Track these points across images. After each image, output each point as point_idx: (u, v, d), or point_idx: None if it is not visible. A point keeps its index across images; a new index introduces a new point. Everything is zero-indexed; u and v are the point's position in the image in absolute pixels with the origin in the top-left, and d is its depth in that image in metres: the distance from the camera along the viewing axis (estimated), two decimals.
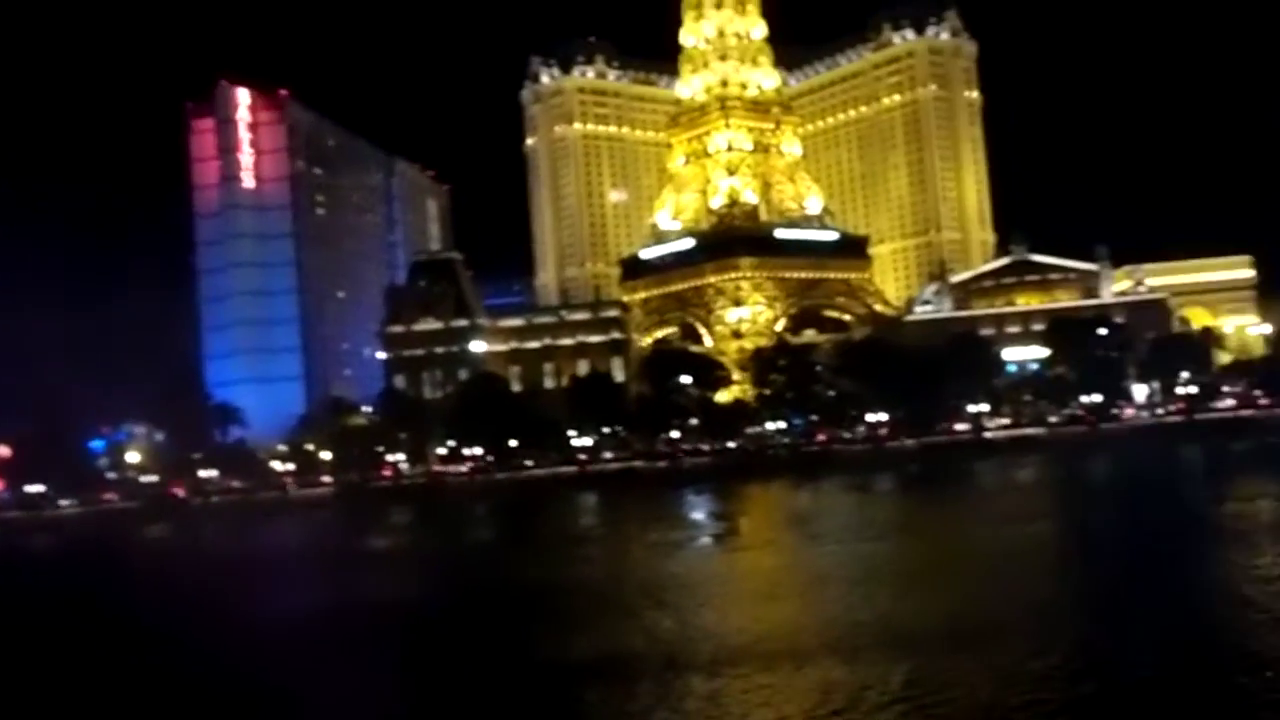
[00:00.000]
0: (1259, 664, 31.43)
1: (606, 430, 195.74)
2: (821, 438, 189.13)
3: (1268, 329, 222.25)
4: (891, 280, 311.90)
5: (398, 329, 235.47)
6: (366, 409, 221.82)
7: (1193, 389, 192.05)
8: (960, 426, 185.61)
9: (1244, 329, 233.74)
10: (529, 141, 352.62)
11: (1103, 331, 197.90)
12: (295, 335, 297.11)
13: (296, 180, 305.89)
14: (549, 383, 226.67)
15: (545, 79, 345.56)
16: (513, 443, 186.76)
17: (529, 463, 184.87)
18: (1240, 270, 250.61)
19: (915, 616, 44.08)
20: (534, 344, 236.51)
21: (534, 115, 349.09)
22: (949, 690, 31.47)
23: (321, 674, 41.96)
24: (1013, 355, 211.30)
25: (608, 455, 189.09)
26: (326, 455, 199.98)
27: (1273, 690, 29.15)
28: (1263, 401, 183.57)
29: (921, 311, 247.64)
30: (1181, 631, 37.53)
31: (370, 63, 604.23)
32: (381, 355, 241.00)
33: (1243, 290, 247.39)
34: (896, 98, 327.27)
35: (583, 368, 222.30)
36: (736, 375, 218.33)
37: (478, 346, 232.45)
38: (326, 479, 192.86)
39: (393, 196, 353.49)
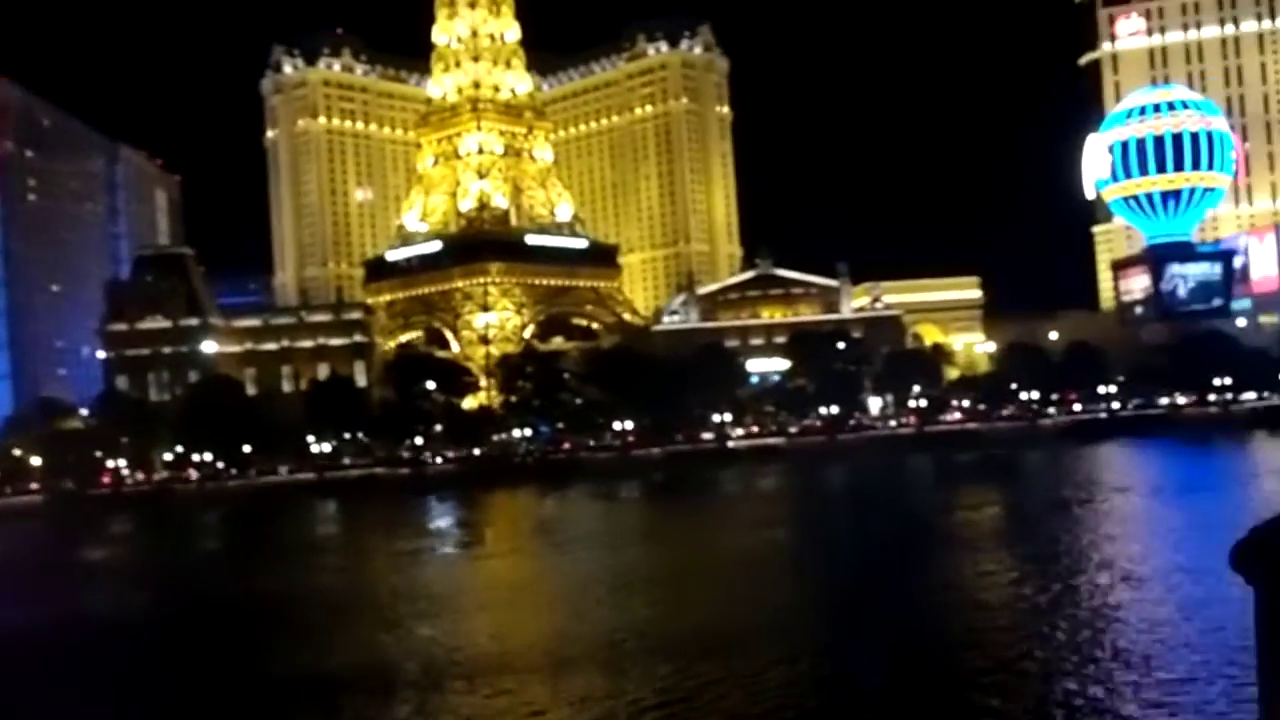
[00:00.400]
0: (987, 667, 32.05)
1: (347, 436, 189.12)
2: (568, 446, 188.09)
3: (992, 347, 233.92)
4: (640, 290, 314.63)
5: (120, 327, 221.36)
6: (84, 411, 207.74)
7: (924, 402, 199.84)
8: (705, 435, 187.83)
9: (971, 346, 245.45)
10: (269, 134, 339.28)
11: (841, 345, 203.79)
12: (2, 330, 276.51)
13: (5, 163, 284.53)
14: (287, 386, 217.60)
15: (288, 69, 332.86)
16: (247, 449, 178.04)
17: (264, 469, 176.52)
18: (969, 290, 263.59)
19: (664, 624, 43.11)
20: (271, 345, 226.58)
21: (275, 106, 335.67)
22: (698, 699, 30.55)
23: (21, 699, 37.06)
24: (756, 366, 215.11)
25: (348, 462, 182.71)
26: (37, 461, 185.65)
27: (1000, 691, 29.66)
28: (987, 415, 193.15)
29: (669, 321, 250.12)
30: (915, 636, 37.94)
31: (98, 44, 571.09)
32: (102, 354, 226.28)
33: (971, 309, 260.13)
34: (649, 109, 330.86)
35: (323, 371, 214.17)
36: (483, 382, 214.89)
37: (209, 347, 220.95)
38: (36, 486, 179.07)
39: (116, 185, 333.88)
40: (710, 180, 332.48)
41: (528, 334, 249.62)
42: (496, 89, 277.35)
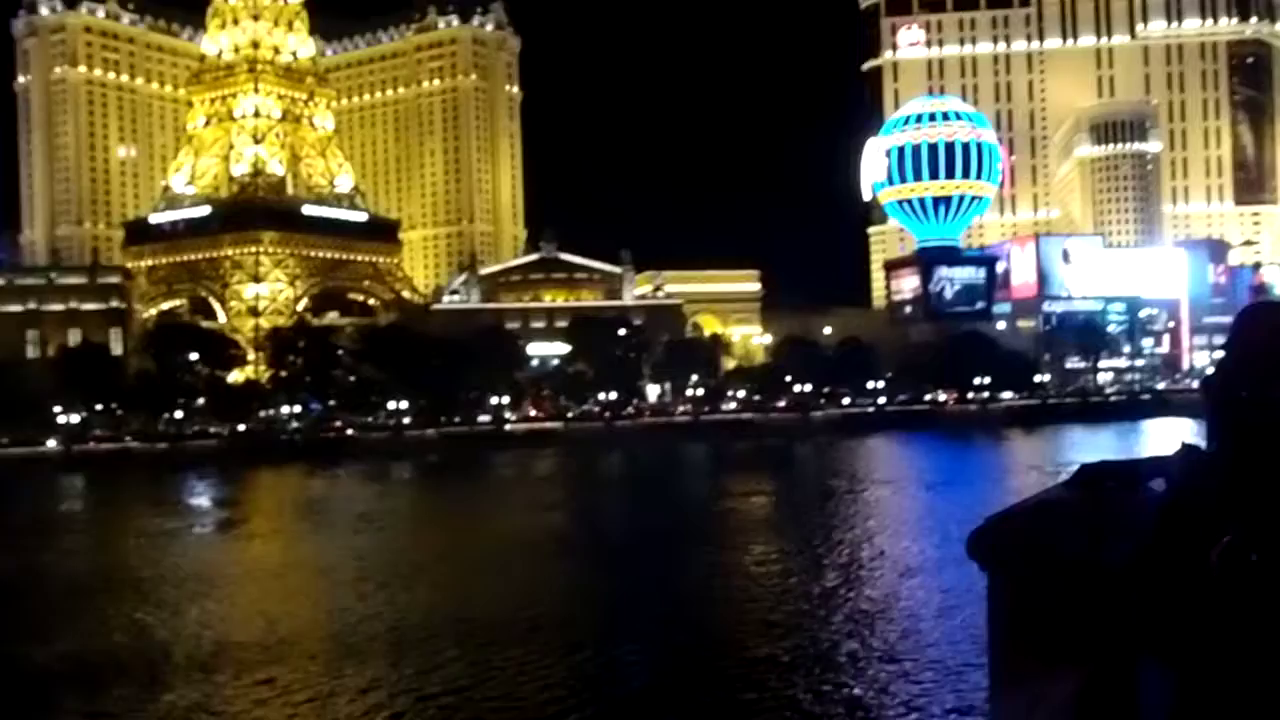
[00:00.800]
0: (757, 647, 33.04)
1: (100, 408, 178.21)
2: (339, 424, 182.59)
3: (769, 339, 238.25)
4: (421, 267, 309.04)
5: None
6: None
7: (701, 391, 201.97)
8: (482, 418, 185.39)
9: (749, 338, 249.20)
10: (20, 80, 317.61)
11: (622, 332, 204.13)
12: None
13: None
14: (32, 352, 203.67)
15: (45, 10, 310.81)
16: None
17: (4, 440, 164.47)
18: (749, 283, 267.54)
19: (442, 610, 41.70)
20: (15, 307, 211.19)
21: (28, 50, 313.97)
22: (480, 689, 29.89)
23: None
24: (536, 350, 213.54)
25: (99, 434, 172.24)
26: None
27: (768, 676, 30.11)
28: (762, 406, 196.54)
29: (449, 301, 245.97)
30: (688, 626, 38.18)
31: None
32: None
33: (749, 302, 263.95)
34: (437, 83, 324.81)
35: (74, 338, 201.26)
36: (251, 355, 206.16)
37: None
38: None
39: None
40: (497, 160, 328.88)
41: (300, 307, 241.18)
42: (277, 50, 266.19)
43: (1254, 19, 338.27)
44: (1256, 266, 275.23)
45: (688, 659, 33.38)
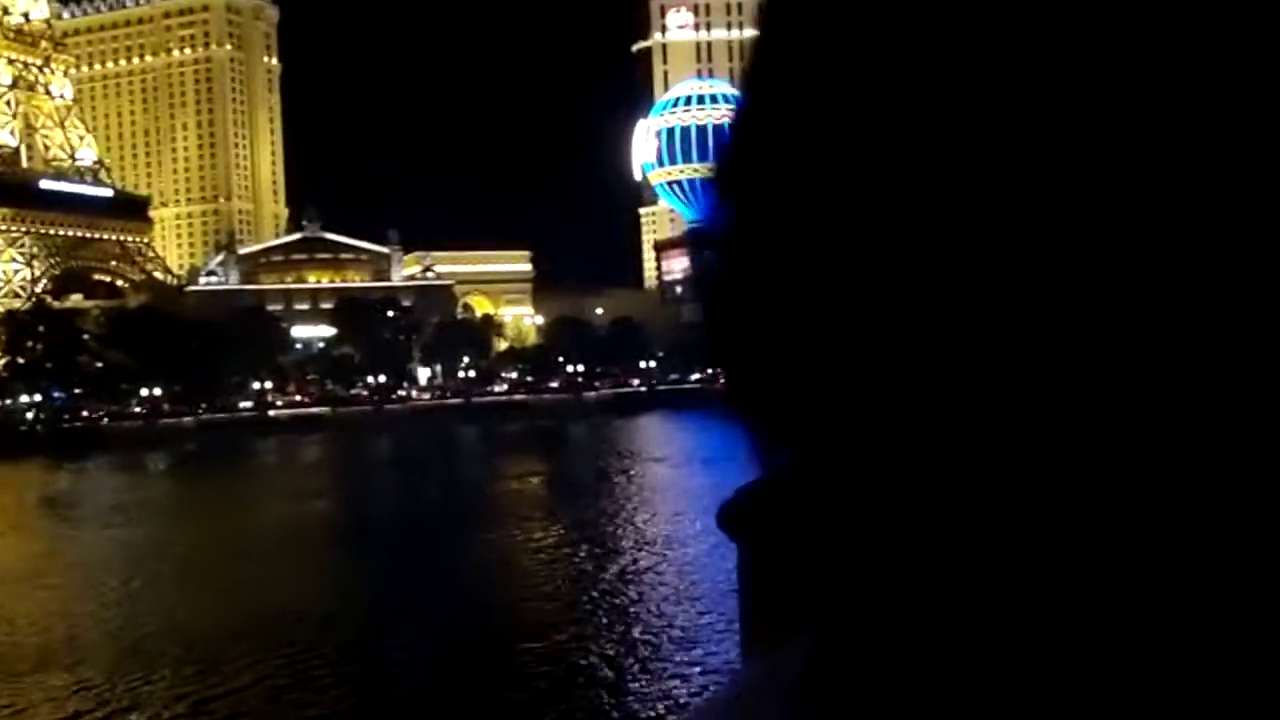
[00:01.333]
0: (538, 632, 32.72)
1: None
2: (87, 413, 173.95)
3: (541, 320, 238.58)
4: (175, 247, 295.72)
5: None
6: None
7: (473, 373, 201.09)
8: (244, 404, 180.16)
9: (521, 319, 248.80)
10: None
11: (391, 314, 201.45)
12: None
13: None
14: None
15: None
16: None
17: None
18: (520, 264, 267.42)
19: (203, 609, 38.35)
20: None
21: None
22: (245, 701, 27.27)
23: None
24: (301, 333, 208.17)
25: None
26: None
27: (542, 659, 29.88)
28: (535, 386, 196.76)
29: (206, 282, 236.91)
30: (462, 605, 37.75)
31: None
32: None
33: (521, 283, 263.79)
34: (188, 52, 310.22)
35: None
36: None
37: None
38: None
39: None
40: (255, 135, 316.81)
41: (40, 289, 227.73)
42: (6, 10, 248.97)
43: None
44: None
45: (467, 647, 31.75)
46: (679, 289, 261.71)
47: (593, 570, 43.76)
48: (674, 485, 75.40)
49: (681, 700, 25.93)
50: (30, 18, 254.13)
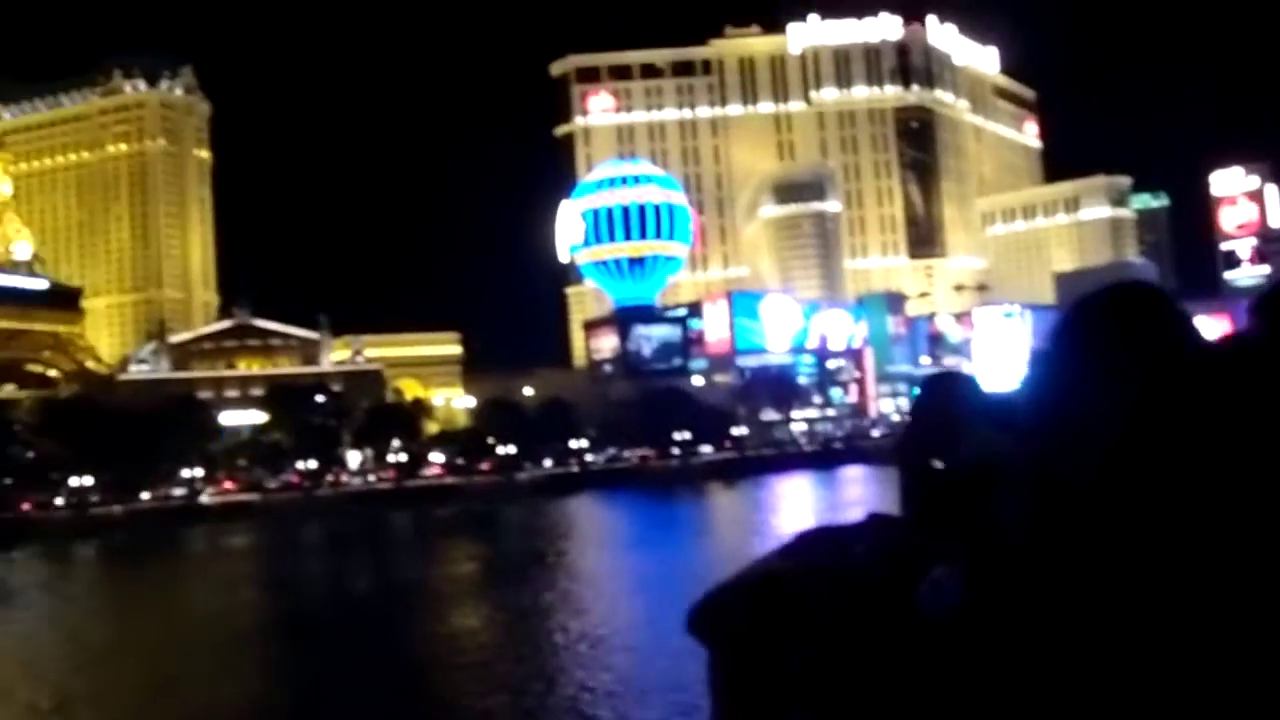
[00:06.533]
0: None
1: None
2: (18, 504, 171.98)
3: (471, 401, 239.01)
4: (106, 337, 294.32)
5: None
6: None
7: (404, 457, 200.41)
8: (175, 492, 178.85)
9: (451, 401, 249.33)
10: None
11: (321, 399, 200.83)
12: None
13: None
14: None
15: None
16: None
17: None
18: (449, 346, 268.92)
19: (102, 692, 40.65)
20: None
21: None
22: None
23: None
24: (232, 419, 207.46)
25: None
26: None
27: None
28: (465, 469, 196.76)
29: (137, 371, 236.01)
30: (398, 698, 37.60)
31: None
32: None
33: (450, 364, 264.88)
34: (123, 147, 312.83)
35: None
36: None
37: None
38: None
39: None
40: (187, 225, 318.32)
41: None
42: None
43: (915, 86, 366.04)
44: (931, 316, 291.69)
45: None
46: (608, 368, 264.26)
47: (534, 659, 42.91)
48: (610, 569, 75.62)
49: None
50: None
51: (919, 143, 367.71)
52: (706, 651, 2.16)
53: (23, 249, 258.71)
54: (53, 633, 60.51)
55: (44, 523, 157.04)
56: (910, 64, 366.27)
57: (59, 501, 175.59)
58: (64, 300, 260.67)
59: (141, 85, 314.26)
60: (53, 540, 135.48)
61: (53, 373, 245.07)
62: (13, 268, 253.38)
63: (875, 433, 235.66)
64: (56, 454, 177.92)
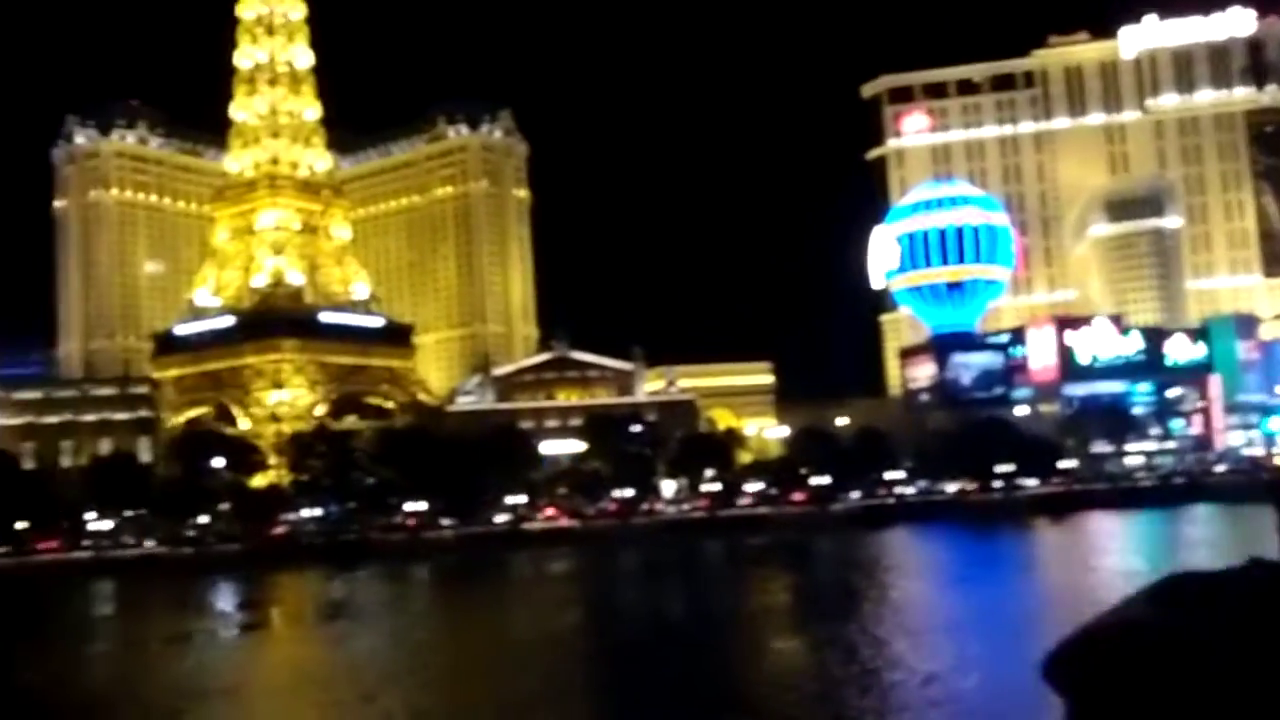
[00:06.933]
0: None
1: (129, 514, 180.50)
2: (359, 526, 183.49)
3: (784, 431, 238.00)
4: (435, 370, 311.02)
5: None
6: None
7: (716, 486, 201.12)
8: (499, 518, 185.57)
9: (763, 431, 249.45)
10: (58, 204, 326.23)
11: (636, 428, 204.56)
12: None
13: None
14: (67, 461, 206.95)
15: (81, 139, 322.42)
16: (21, 525, 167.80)
17: (36, 548, 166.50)
18: (762, 376, 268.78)
19: (452, 709, 42.46)
20: (52, 419, 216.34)
21: (66, 177, 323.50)
22: None
23: None
24: (551, 449, 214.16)
25: (130, 541, 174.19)
26: None
27: None
28: (777, 500, 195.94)
29: (464, 402, 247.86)
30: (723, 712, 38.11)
31: None
32: None
33: (763, 394, 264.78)
34: (448, 189, 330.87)
35: (106, 446, 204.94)
36: (273, 460, 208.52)
37: None
38: None
39: None
40: (507, 262, 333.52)
41: (320, 412, 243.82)
42: (295, 166, 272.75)
43: (1271, 85, 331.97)
44: None
45: None
46: (924, 397, 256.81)
47: (867, 693, 41.80)
48: (932, 604, 73.68)
49: None
50: (315, 170, 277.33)
51: (1274, 149, 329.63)
52: (1062, 701, 2.03)
53: (361, 289, 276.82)
54: (400, 649, 63.18)
55: (383, 544, 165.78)
56: (1265, 61, 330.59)
57: (395, 524, 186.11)
58: (398, 336, 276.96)
59: (464, 130, 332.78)
60: (390, 561, 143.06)
61: (389, 404, 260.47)
62: (352, 307, 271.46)
63: (1221, 467, 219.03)
64: (393, 481, 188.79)
